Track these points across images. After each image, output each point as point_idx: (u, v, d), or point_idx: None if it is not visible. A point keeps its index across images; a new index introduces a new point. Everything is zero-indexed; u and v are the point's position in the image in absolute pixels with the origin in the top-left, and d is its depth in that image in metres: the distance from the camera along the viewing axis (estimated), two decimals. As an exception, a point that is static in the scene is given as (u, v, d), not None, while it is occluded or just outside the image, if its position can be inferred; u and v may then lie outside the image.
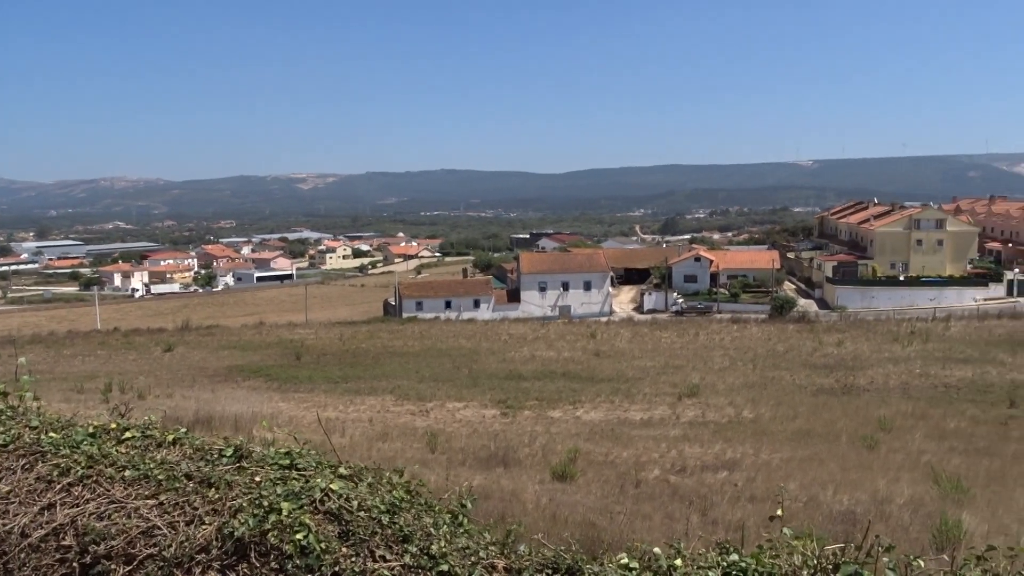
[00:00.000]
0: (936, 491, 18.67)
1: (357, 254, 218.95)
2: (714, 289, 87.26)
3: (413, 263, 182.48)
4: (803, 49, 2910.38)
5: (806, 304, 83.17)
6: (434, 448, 25.10)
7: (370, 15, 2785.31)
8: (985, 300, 79.80)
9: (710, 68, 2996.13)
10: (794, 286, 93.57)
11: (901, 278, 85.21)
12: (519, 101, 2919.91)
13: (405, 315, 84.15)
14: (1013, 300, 78.92)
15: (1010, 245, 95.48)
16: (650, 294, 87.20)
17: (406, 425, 31.88)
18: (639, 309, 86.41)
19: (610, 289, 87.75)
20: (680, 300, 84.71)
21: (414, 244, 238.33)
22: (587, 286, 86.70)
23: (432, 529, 3.31)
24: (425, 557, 3.17)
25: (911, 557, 3.11)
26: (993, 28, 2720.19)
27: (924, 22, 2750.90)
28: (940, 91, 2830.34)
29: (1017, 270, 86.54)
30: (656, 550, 3.25)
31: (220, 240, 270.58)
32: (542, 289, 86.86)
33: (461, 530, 3.41)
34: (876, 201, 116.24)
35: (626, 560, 3.20)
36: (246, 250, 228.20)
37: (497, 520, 5.90)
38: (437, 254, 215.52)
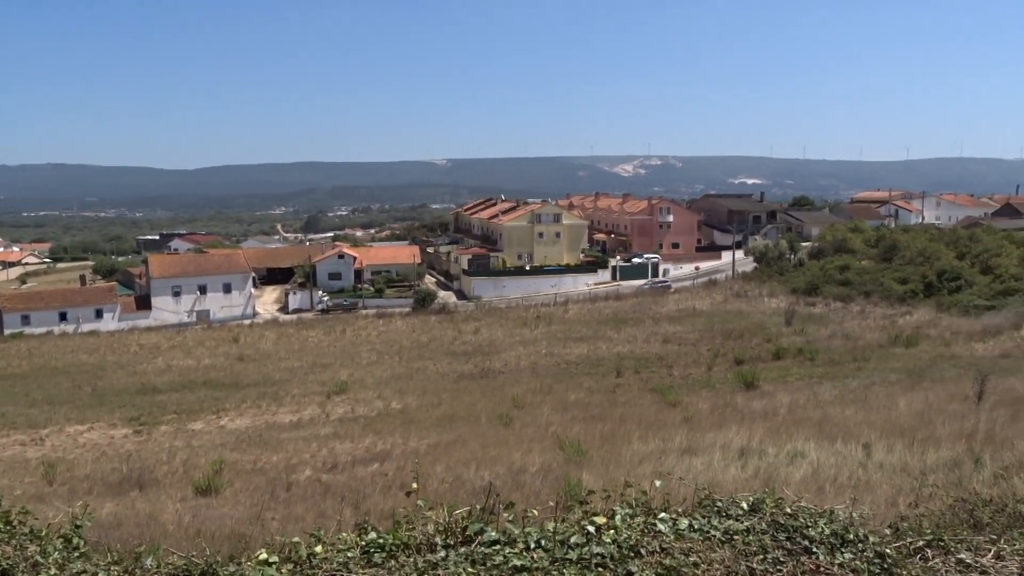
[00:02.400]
0: (562, 456, 20.97)
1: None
2: (359, 285, 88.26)
3: (15, 271, 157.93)
4: (432, 50, 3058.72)
5: (446, 296, 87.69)
6: (52, 479, 22.21)
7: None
8: (596, 284, 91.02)
9: (344, 64, 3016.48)
10: (434, 279, 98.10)
11: (527, 268, 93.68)
12: (142, 91, 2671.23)
13: (8, 331, 72.78)
14: (617, 283, 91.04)
15: (612, 236, 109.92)
16: (295, 293, 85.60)
17: (14, 458, 27.78)
18: (284, 309, 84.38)
19: (252, 290, 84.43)
20: (326, 298, 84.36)
21: (16, 249, 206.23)
22: (227, 288, 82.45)
23: (40, 558, 2.94)
24: (31, 590, 2.80)
25: (525, 509, 3.48)
26: (594, 41, 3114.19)
27: (536, 30, 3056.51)
28: (553, 97, 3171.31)
29: (619, 257, 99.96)
30: (296, 539, 3.24)
31: None
32: (176, 294, 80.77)
33: (77, 554, 3.08)
34: (503, 198, 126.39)
35: (265, 556, 3.14)
36: None
37: (133, 545, 5.41)
38: (47, 260, 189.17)
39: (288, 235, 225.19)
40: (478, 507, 3.53)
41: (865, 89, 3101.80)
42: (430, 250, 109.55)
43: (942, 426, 21.65)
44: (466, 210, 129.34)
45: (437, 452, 23.83)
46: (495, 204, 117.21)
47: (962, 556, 4.16)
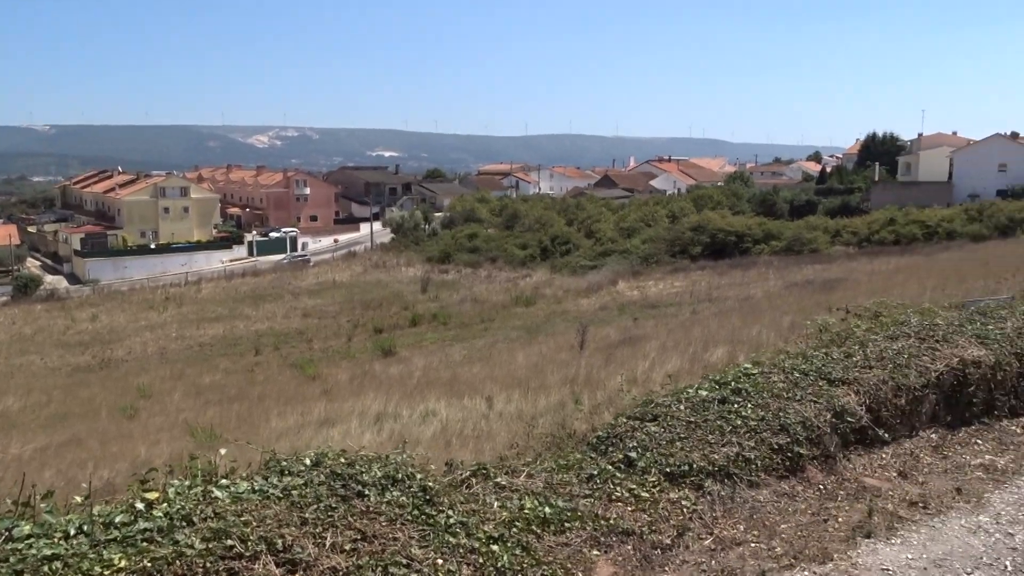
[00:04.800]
0: (193, 443, 19.97)
1: None
2: (-62, 274, 74.58)
3: None
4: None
5: (55, 280, 77.80)
6: None
7: None
8: (231, 261, 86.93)
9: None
10: (39, 262, 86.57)
11: (152, 246, 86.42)
12: None
13: None
14: (254, 259, 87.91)
15: (248, 210, 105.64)
16: None
17: None
18: None
19: None
20: None
21: None
22: None
23: None
24: None
25: (69, 497, 3.35)
26: (227, 1, 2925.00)
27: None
28: (179, 60, 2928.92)
29: (255, 232, 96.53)
30: None
31: None
32: None
33: None
34: (121, 170, 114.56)
35: None
36: None
37: None
38: None
39: None
40: (9, 500, 3.31)
41: (489, 69, 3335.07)
42: (32, 229, 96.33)
43: (552, 374, 24.23)
44: (76, 183, 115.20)
45: (45, 456, 21.23)
46: (111, 176, 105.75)
47: (499, 480, 4.88)
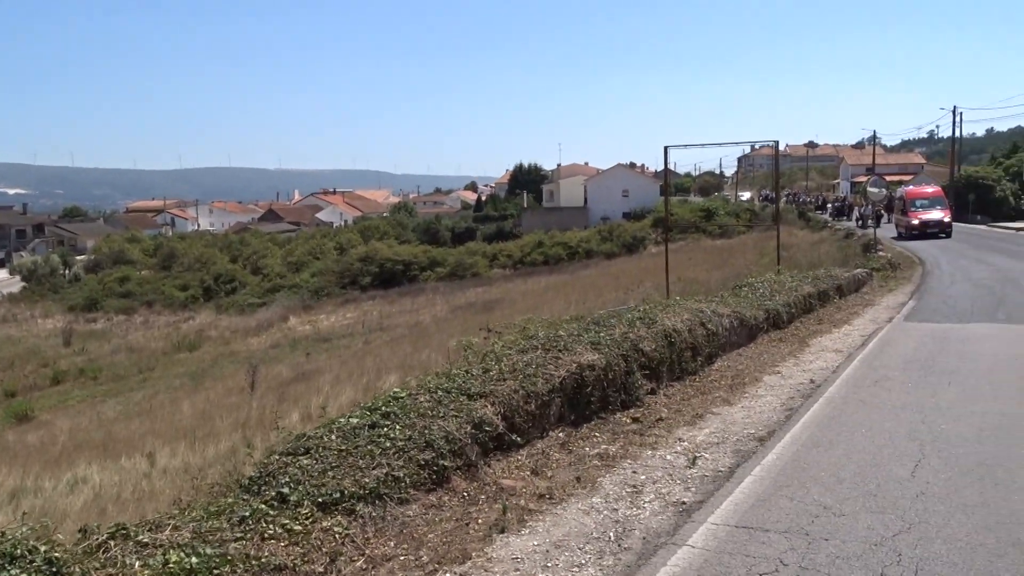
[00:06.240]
0: None
1: None
2: None
3: None
4: None
5: None
6: None
7: None
8: None
9: None
10: None
11: None
12: None
13: None
14: None
15: None
16: None
17: None
18: None
19: None
20: None
21: None
22: None
23: None
24: None
25: None
26: None
27: None
28: None
29: None
30: None
31: None
32: None
33: None
34: None
35: None
36: None
37: None
38: None
39: None
40: None
41: (135, 96, 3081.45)
42: None
43: (221, 420, 23.10)
44: None
45: None
46: None
47: (141, 538, 4.70)
